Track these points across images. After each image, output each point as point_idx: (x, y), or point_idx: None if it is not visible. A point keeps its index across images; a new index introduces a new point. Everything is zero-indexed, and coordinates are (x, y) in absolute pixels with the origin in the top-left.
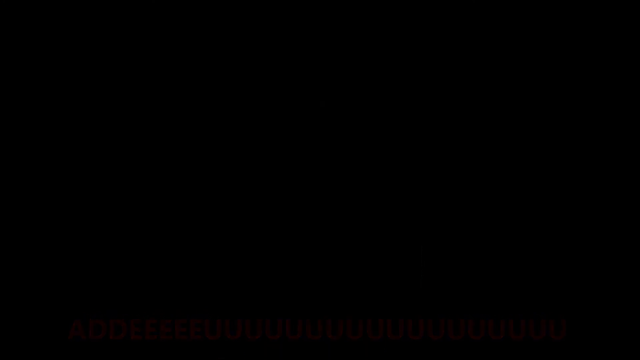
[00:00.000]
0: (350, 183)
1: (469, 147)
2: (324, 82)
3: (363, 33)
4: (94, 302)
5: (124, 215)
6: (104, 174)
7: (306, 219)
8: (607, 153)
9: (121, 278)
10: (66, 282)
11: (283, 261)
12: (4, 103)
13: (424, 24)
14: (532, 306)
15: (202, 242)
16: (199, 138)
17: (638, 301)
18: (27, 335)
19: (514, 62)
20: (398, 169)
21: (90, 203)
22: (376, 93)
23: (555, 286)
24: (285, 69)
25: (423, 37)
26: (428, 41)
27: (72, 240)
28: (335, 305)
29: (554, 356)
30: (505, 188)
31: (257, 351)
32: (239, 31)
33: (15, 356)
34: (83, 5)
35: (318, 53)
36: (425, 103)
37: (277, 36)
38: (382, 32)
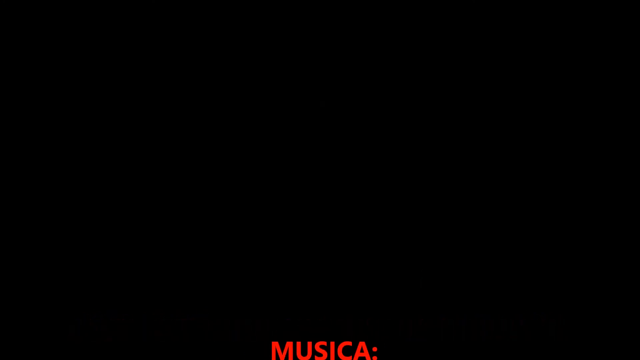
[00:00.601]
0: (350, 183)
1: (468, 147)
2: (324, 82)
3: (363, 33)
4: (94, 302)
5: (124, 215)
6: (104, 175)
7: (305, 219)
8: (607, 154)
9: (121, 278)
10: (66, 281)
11: (282, 261)
12: (3, 103)
13: (424, 24)
14: (532, 306)
15: (203, 242)
16: (198, 137)
17: (638, 301)
18: (26, 335)
19: (512, 66)
20: (398, 168)
21: (90, 202)
22: (377, 94)
23: (556, 286)
24: (285, 69)
25: (424, 38)
26: (429, 42)
27: (71, 240)
28: (335, 305)
29: (554, 356)
30: (506, 188)
31: (257, 351)
32: (239, 31)
33: (15, 356)
34: (83, 5)
35: (318, 53)
36: (426, 104)
37: (276, 36)
38: (383, 32)
